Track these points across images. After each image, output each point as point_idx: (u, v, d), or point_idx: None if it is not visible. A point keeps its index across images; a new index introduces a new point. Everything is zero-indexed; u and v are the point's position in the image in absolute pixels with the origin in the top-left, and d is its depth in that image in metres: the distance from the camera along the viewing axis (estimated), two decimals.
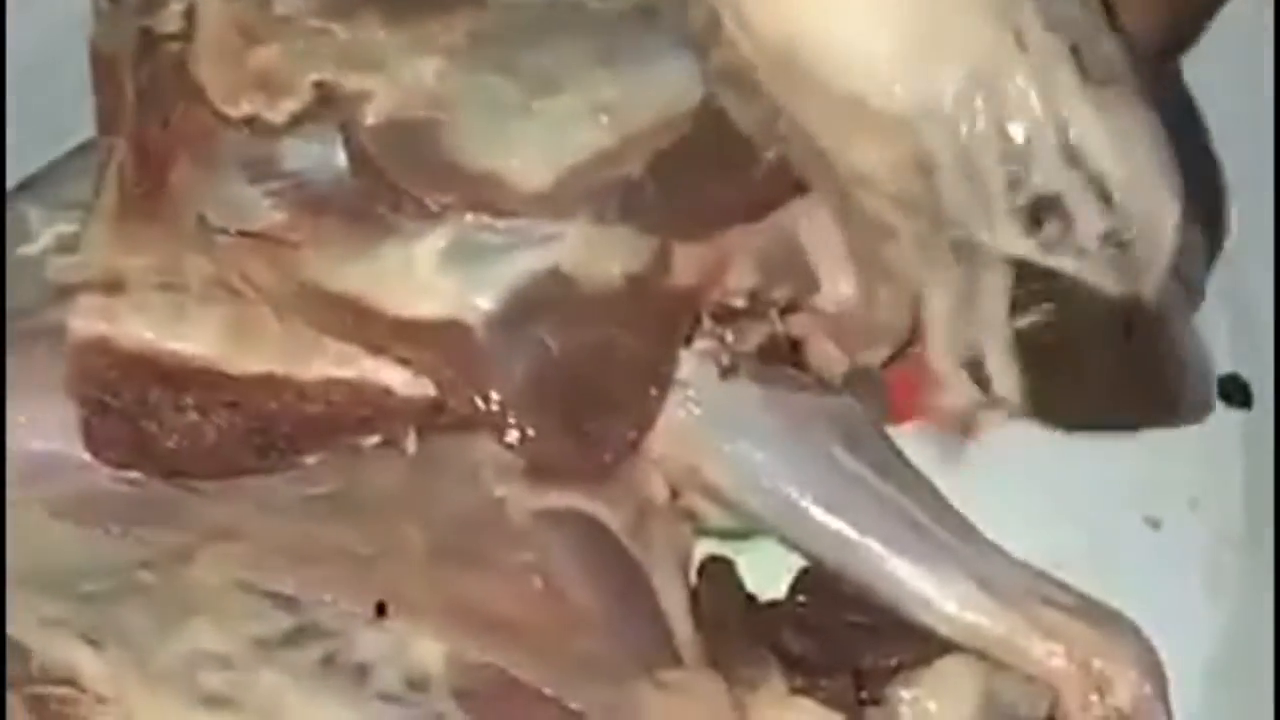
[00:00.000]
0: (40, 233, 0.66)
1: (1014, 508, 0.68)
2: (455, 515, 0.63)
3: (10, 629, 0.60)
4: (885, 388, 0.69)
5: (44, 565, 0.61)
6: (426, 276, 0.62)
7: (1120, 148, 0.61)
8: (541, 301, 0.62)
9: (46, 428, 0.63)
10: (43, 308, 0.64)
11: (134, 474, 0.62)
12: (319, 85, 0.63)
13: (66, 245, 0.64)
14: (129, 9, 0.66)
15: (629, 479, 0.65)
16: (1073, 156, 0.60)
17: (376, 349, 0.63)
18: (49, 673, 0.59)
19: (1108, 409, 0.66)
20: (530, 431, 0.62)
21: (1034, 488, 0.69)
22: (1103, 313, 0.62)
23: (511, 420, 0.62)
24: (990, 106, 0.60)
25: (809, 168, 0.63)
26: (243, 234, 0.63)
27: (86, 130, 0.69)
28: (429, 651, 0.60)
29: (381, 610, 0.60)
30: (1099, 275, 0.61)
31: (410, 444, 0.63)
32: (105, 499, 0.62)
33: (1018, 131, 0.60)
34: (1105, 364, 0.64)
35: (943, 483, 0.67)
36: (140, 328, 0.62)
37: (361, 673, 0.60)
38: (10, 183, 0.70)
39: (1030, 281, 0.62)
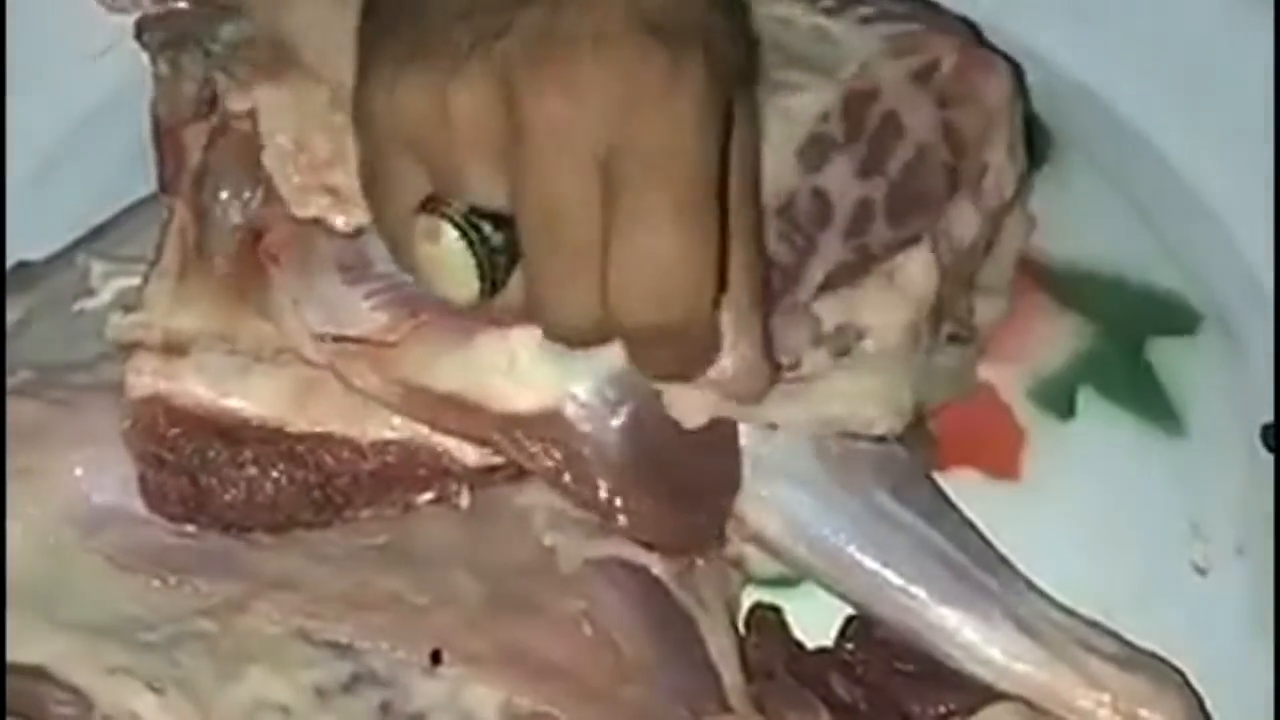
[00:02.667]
0: (102, 287, 0.67)
1: (1060, 555, 0.68)
2: (507, 563, 0.64)
3: (75, 678, 0.60)
4: (933, 434, 0.70)
5: (107, 615, 0.61)
6: (525, 368, 0.62)
7: None
8: (630, 385, 0.62)
9: (105, 481, 0.63)
10: (101, 363, 0.65)
11: (190, 527, 0.63)
12: None
13: (127, 301, 0.65)
14: (187, 76, 0.67)
15: None
16: None
17: (481, 442, 0.63)
18: None
19: None
20: (641, 518, 0.63)
21: (1080, 535, 0.69)
22: None
23: (619, 505, 0.63)
24: None
25: None
26: (345, 339, 0.63)
27: (144, 187, 0.70)
28: (483, 700, 0.61)
29: (436, 658, 0.61)
30: None
31: (464, 500, 0.64)
32: (162, 550, 0.63)
33: None
34: None
35: (989, 529, 0.67)
36: (199, 385, 0.63)
37: None
38: (71, 237, 0.70)
39: None
